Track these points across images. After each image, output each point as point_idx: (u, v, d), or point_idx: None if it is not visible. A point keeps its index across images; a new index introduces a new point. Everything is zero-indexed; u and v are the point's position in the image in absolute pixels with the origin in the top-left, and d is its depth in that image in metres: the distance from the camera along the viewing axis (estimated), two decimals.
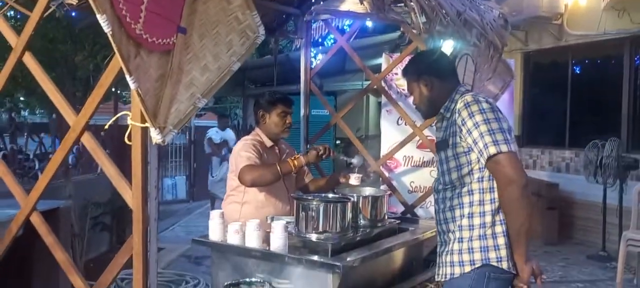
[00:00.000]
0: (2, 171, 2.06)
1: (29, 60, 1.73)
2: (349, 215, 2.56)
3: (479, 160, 2.14)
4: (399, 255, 2.82)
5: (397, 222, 2.98)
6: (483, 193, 2.17)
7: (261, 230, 2.51)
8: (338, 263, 2.22)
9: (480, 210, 2.17)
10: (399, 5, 2.68)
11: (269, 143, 3.20)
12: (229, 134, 8.88)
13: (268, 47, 9.92)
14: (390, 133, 4.17)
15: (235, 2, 1.60)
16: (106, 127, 1.78)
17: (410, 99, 3.83)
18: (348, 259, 2.28)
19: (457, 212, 2.22)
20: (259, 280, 2.37)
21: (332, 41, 8.15)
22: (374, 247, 2.55)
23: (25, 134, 6.79)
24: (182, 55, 1.45)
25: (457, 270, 2.18)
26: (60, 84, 4.14)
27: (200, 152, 11.92)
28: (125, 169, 1.56)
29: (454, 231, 2.23)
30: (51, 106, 6.23)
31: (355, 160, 3.22)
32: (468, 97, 2.19)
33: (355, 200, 2.72)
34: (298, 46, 4.02)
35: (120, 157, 1.56)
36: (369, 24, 5.81)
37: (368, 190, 2.99)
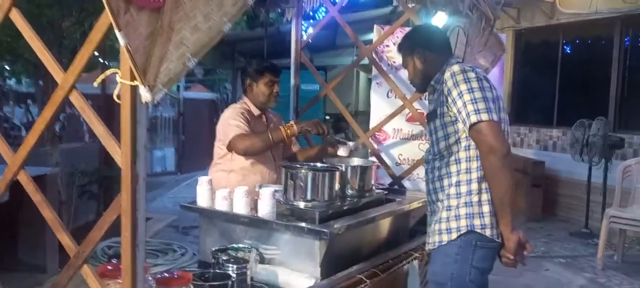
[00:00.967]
0: None
1: (16, 17, 1.70)
2: (337, 184, 2.56)
3: (464, 130, 2.16)
4: (385, 225, 2.85)
5: (385, 192, 2.99)
6: (470, 161, 2.19)
7: (249, 197, 2.52)
8: (325, 230, 2.24)
9: (467, 178, 2.19)
10: None
11: (256, 111, 3.20)
12: None
13: (258, 20, 9.81)
14: (380, 106, 4.17)
15: None
16: (96, 83, 1.76)
17: (401, 72, 3.85)
18: (335, 226, 2.30)
19: (446, 181, 2.24)
20: (246, 246, 2.38)
21: (323, 14, 8.08)
22: (361, 215, 2.57)
23: (11, 102, 6.72)
24: (172, 14, 1.43)
25: (445, 237, 2.22)
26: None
27: (188, 125, 11.91)
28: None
29: (442, 200, 2.26)
30: (37, 74, 6.16)
31: (351, 145, 3.23)
32: (455, 68, 2.20)
33: (344, 170, 2.73)
34: (289, 18, 3.98)
35: (109, 127, 1.55)
36: None
37: (356, 161, 3.00)
